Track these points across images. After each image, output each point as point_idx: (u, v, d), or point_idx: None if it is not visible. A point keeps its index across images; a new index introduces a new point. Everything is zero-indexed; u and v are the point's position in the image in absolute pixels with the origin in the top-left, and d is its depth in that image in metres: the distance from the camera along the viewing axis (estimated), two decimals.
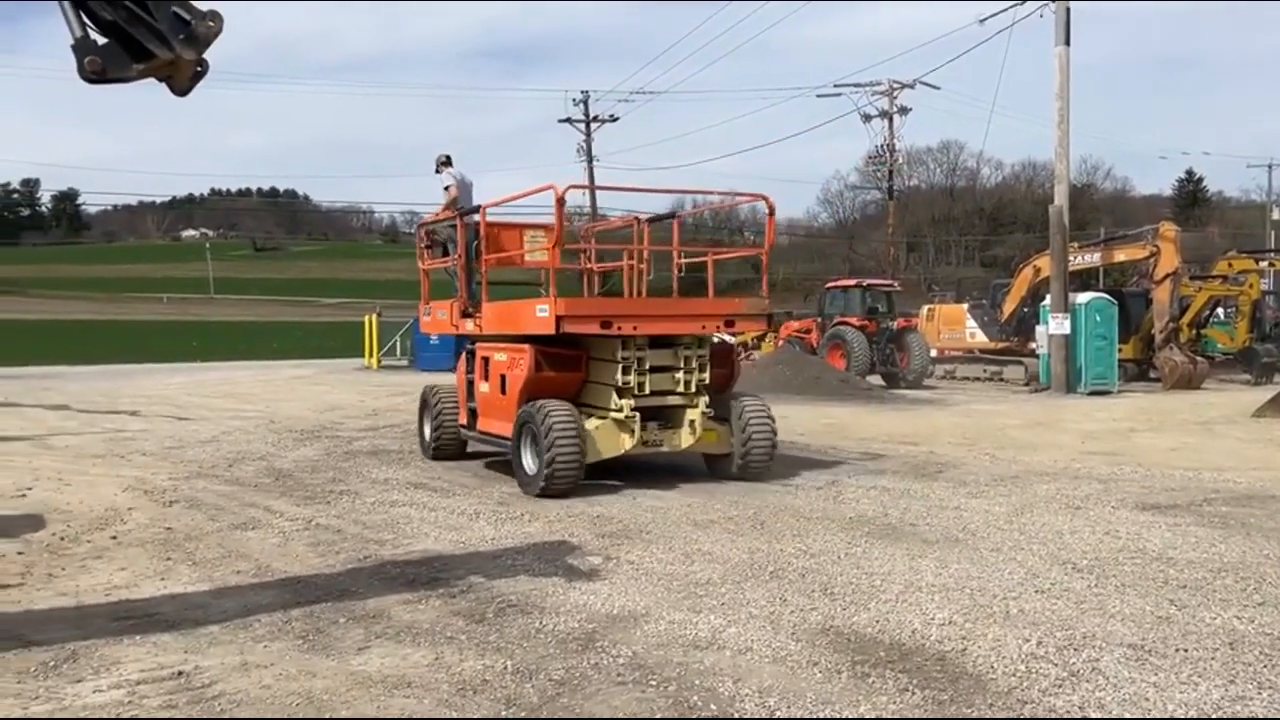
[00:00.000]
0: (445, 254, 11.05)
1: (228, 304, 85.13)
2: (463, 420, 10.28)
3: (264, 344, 47.31)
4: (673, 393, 8.72)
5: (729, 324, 9.20)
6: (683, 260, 10.90)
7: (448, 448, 10.45)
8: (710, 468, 9.32)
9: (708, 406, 8.81)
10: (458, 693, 3.90)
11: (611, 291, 12.38)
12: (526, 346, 8.69)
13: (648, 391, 8.56)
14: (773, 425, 9.05)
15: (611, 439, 8.52)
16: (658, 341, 8.67)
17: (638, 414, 8.50)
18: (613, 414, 8.52)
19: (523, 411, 8.48)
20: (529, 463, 8.41)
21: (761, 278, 9.95)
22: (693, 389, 8.73)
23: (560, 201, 8.28)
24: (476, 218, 9.95)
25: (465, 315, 10.00)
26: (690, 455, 9.14)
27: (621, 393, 8.50)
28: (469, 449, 10.51)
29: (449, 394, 10.56)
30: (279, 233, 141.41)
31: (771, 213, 9.58)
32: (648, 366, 8.55)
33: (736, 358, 10.15)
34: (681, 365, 8.70)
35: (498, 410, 9.28)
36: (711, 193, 10.75)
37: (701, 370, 8.77)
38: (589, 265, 11.72)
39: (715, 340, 9.54)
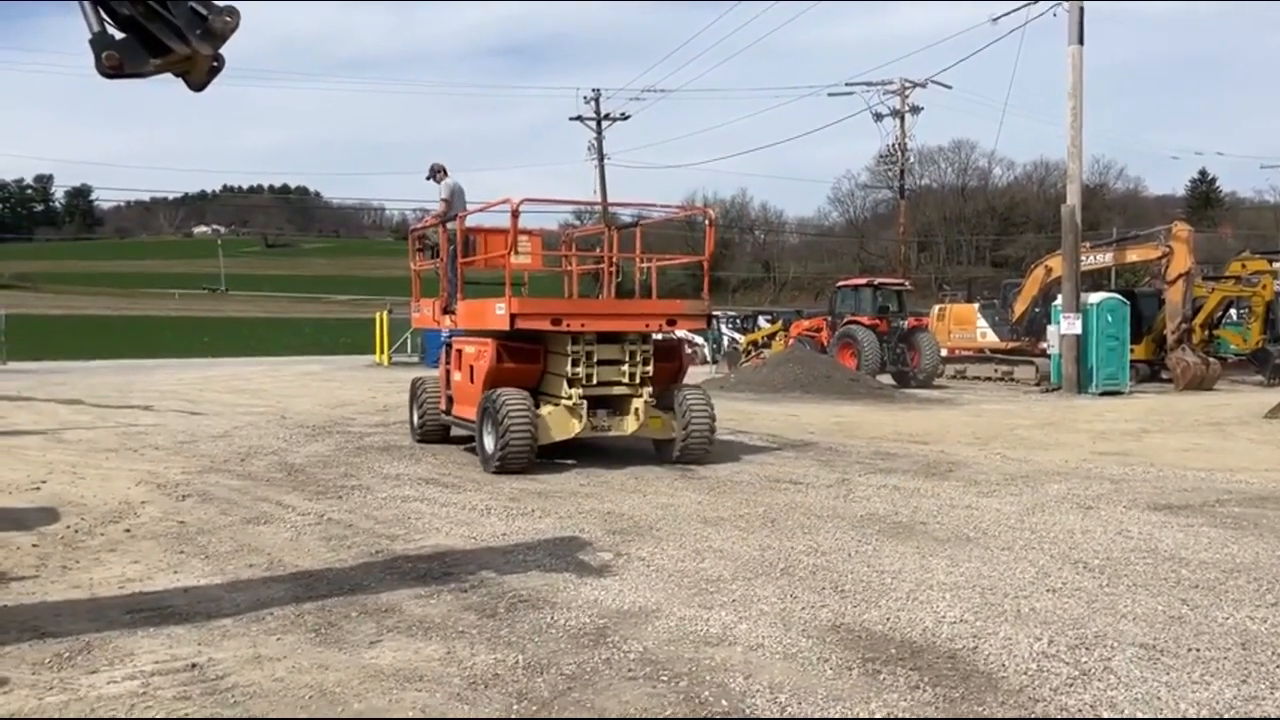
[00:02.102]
0: (434, 257, 11.97)
1: (239, 300, 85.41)
2: (443, 407, 11.24)
3: (275, 340, 47.48)
4: (619, 383, 9.65)
5: (670, 322, 10.15)
6: (644, 265, 11.96)
7: (431, 432, 11.48)
8: (657, 451, 10.22)
9: (651, 396, 9.71)
10: (469, 686, 3.91)
11: (587, 293, 13.73)
12: (490, 340, 9.71)
13: (595, 382, 9.50)
14: (711, 413, 9.93)
15: (563, 423, 9.45)
16: (605, 337, 9.59)
17: (585, 402, 9.44)
18: (564, 401, 9.45)
19: (484, 398, 9.42)
20: (488, 443, 9.28)
21: (705, 282, 10.72)
22: (638, 380, 9.66)
23: (514, 214, 9.37)
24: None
25: (446, 312, 11.19)
26: (638, 440, 10.01)
27: (571, 382, 9.44)
28: (452, 433, 11.41)
29: (432, 384, 11.65)
30: (290, 229, 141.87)
31: (712, 224, 11.41)
32: (596, 360, 9.50)
33: (684, 352, 11.21)
34: (627, 359, 9.64)
35: (468, 397, 10.18)
36: (653, 205, 12.15)
37: (645, 364, 9.68)
38: (569, 268, 12.84)
39: (661, 337, 10.53)
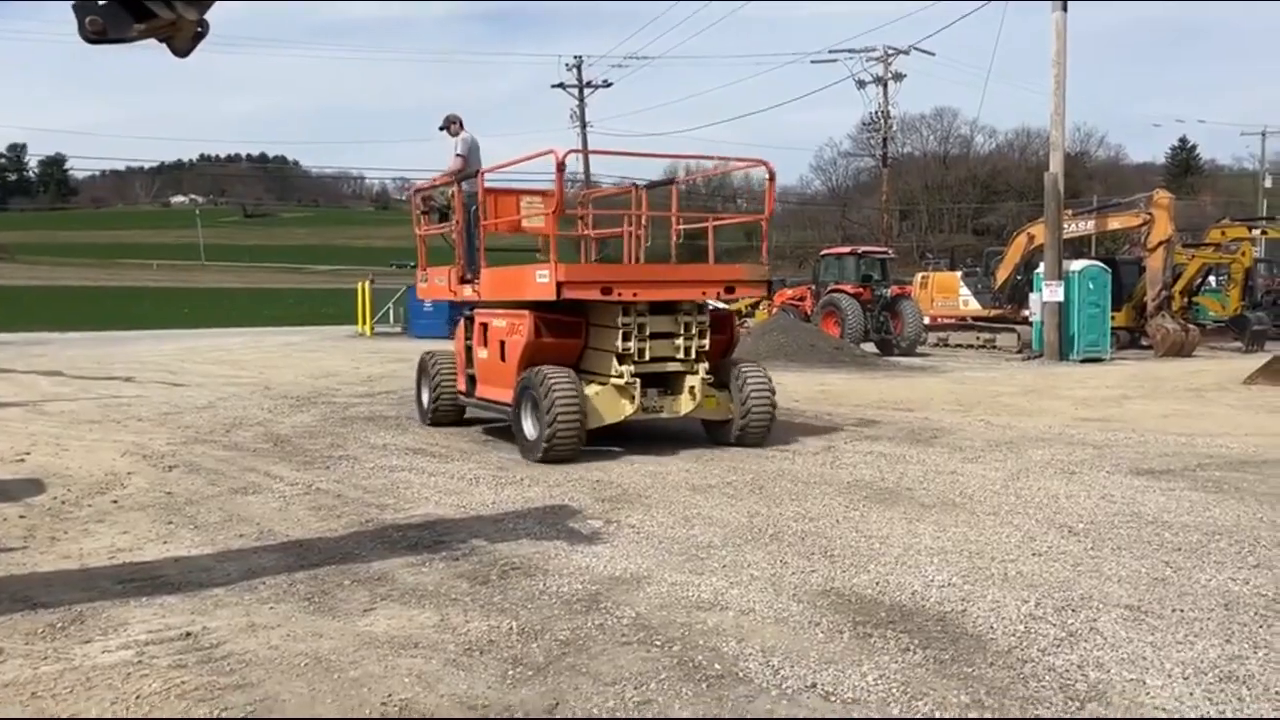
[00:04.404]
0: (443, 220, 10.87)
1: (218, 270, 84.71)
2: (461, 387, 10.23)
3: (256, 311, 47.14)
4: (672, 359, 8.72)
5: (729, 290, 9.18)
6: (681, 227, 10.80)
7: (446, 414, 10.43)
8: (710, 434, 9.35)
9: (708, 373, 8.84)
10: (464, 653, 3.93)
11: (608, 258, 12.37)
12: (526, 312, 8.67)
13: (648, 358, 8.56)
14: (772, 393, 9.08)
15: (612, 405, 8.52)
16: (658, 308, 8.65)
17: (638, 380, 8.50)
18: (613, 380, 8.51)
19: (523, 378, 8.47)
20: (529, 429, 8.40)
21: (761, 244, 9.86)
22: (692, 355, 8.75)
23: (560, 166, 8.17)
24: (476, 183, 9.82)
25: (464, 281, 9.97)
26: (689, 421, 9.18)
27: (622, 359, 8.49)
28: (466, 415, 10.52)
29: (447, 360, 10.50)
30: (269, 199, 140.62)
31: (772, 178, 9.46)
32: (648, 333, 8.55)
33: (735, 324, 10.09)
34: (682, 331, 8.71)
35: (497, 376, 9.26)
36: (709, 158, 10.32)
37: (701, 337, 8.79)
38: (586, 232, 11.61)
39: (713, 307, 9.54)
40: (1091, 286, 20.99)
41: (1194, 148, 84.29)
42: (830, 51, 47.72)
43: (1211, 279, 28.17)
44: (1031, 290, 22.13)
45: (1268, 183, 59.58)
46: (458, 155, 10.56)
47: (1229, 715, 3.35)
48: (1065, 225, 22.26)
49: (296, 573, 5.06)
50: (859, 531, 5.87)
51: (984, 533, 5.83)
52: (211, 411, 11.72)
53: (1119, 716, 3.34)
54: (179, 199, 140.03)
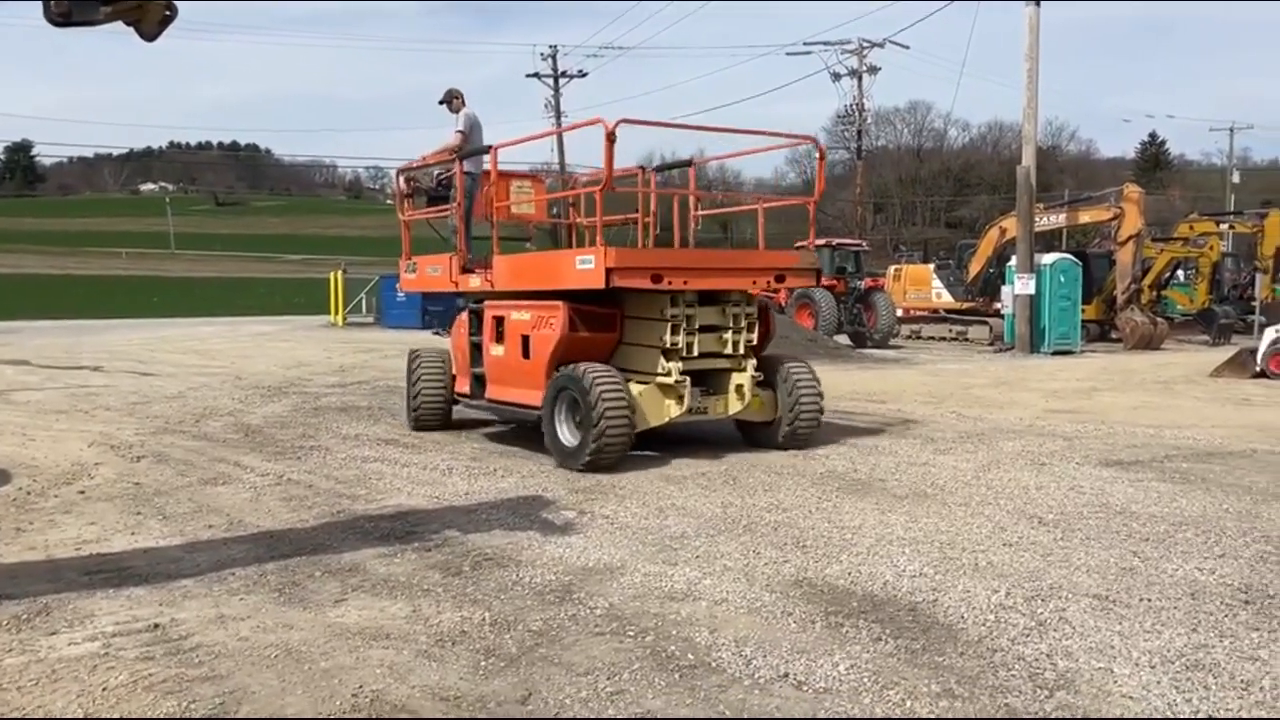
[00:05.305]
0: (431, 203, 10.02)
1: (189, 259, 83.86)
2: (461, 388, 9.37)
3: (227, 300, 46.73)
4: (719, 355, 8.00)
5: (779, 279, 8.38)
6: (699, 213, 9.98)
7: (430, 419, 9.49)
8: (747, 436, 8.70)
9: (756, 370, 8.15)
10: (436, 644, 3.92)
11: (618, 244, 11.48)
12: (560, 303, 7.82)
13: (696, 353, 7.82)
14: (821, 395, 8.46)
15: (656, 406, 7.77)
16: (705, 298, 7.96)
17: (688, 378, 7.73)
18: (660, 378, 7.74)
19: (560, 377, 7.67)
20: (566, 434, 7.64)
21: (809, 229, 9.19)
22: (741, 350, 8.06)
23: (610, 138, 7.24)
24: (480, 163, 9.19)
25: (468, 270, 9.08)
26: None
27: (669, 354, 7.72)
28: (454, 418, 9.76)
29: (433, 361, 9.56)
30: (240, 187, 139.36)
31: (822, 156, 9.04)
32: (697, 326, 7.82)
33: (771, 317, 9.00)
34: (730, 324, 8.00)
35: (516, 376, 8.40)
36: (754, 132, 8.84)
37: (750, 330, 8.10)
38: (576, 219, 10.77)
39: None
40: (1062, 280, 21.19)
41: (1163, 143, 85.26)
42: (806, 44, 47.84)
43: (1180, 273, 28.52)
44: (1003, 283, 22.30)
45: (1235, 178, 60.26)
46: (458, 131, 9.89)
47: (1195, 703, 3.39)
48: (1037, 219, 22.43)
49: (267, 564, 5.02)
50: (831, 522, 5.90)
51: (955, 523, 5.87)
52: (181, 401, 11.59)
53: (1087, 705, 3.37)
54: (149, 187, 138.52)
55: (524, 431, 9.25)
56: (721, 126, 8.82)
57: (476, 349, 9.10)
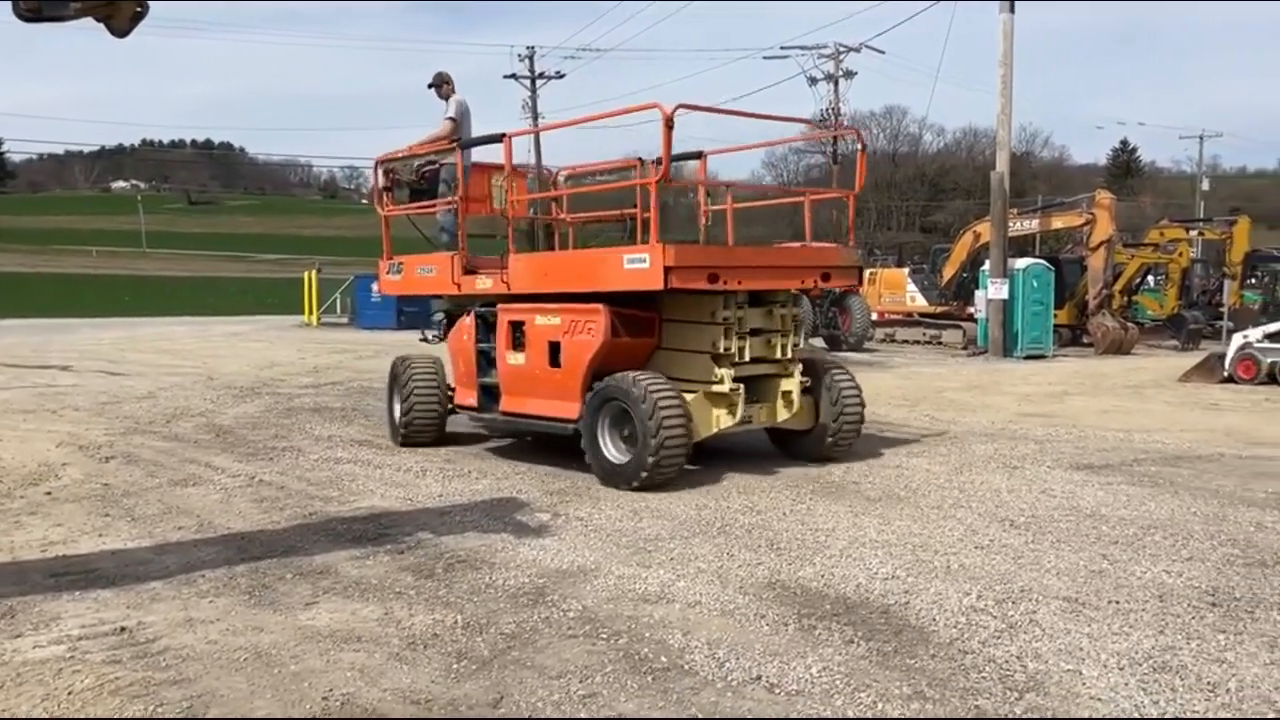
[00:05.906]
0: (414, 197, 9.39)
1: (161, 258, 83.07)
2: (465, 400, 8.61)
3: (200, 300, 46.33)
4: (767, 360, 7.52)
5: (824, 278, 7.88)
6: (709, 209, 9.47)
7: (422, 433, 8.65)
8: (782, 446, 8.25)
9: (804, 376, 7.73)
10: (408, 646, 3.89)
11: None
12: (600, 307, 7.17)
13: (748, 359, 7.31)
14: (863, 400, 8.12)
15: (705, 417, 7.24)
16: (754, 299, 7.47)
17: (741, 386, 7.20)
18: (714, 386, 7.19)
19: (607, 387, 7.05)
20: (612, 451, 7.08)
21: (849, 225, 8.60)
22: (788, 354, 7.59)
23: (668, 124, 6.62)
24: (469, 154, 8.75)
25: (472, 271, 8.34)
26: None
27: (720, 360, 7.18)
28: (446, 431, 8.99)
29: (425, 368, 8.77)
30: (214, 186, 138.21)
31: (863, 149, 8.75)
32: (748, 329, 7.32)
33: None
34: (778, 327, 7.54)
35: (542, 386, 7.71)
36: (797, 120, 8.04)
37: (796, 333, 7.68)
38: (561, 215, 10.14)
39: None
40: (1035, 285, 21.35)
41: (1134, 150, 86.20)
42: (782, 48, 47.79)
43: (1150, 278, 28.81)
44: (977, 288, 22.45)
45: (1205, 185, 61.08)
46: (448, 118, 9.31)
47: (1162, 705, 3.42)
48: (1010, 224, 22.60)
49: (237, 566, 4.98)
50: (804, 525, 5.91)
51: (928, 526, 5.90)
52: (152, 401, 11.47)
53: (1056, 707, 3.39)
54: (120, 184, 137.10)
55: (498, 435, 9.21)
56: (767, 114, 8.34)
57: (485, 357, 8.36)
